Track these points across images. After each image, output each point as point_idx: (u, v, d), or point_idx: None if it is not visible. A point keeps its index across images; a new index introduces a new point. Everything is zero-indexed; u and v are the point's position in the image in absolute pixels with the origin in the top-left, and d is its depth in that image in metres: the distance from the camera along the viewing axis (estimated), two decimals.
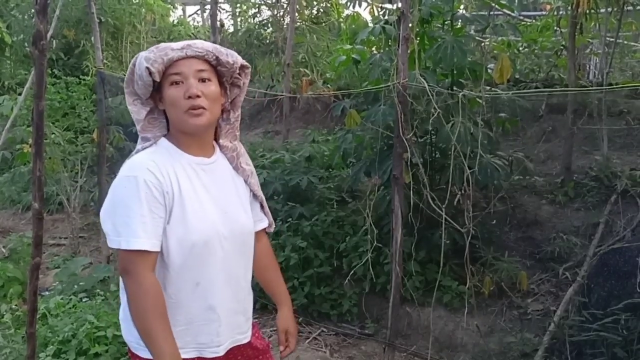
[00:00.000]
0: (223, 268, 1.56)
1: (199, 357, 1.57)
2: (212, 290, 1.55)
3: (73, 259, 5.22)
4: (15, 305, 4.16)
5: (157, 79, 1.50)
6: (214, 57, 1.55)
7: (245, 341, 1.69)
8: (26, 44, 8.65)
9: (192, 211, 1.51)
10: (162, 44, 1.54)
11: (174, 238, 1.49)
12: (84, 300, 3.89)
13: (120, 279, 1.51)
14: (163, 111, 1.59)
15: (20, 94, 6.18)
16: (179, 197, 1.51)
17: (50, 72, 7.56)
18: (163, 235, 1.49)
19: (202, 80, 1.52)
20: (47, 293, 4.42)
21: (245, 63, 1.62)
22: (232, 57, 1.58)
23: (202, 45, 1.54)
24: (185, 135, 1.57)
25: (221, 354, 1.60)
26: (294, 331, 1.89)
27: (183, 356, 1.53)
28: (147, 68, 1.48)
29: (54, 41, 8.65)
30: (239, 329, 1.66)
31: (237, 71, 1.61)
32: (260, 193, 1.78)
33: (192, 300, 1.54)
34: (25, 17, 8.65)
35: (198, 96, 1.50)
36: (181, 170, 1.55)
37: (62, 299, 3.87)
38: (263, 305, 4.24)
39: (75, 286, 4.27)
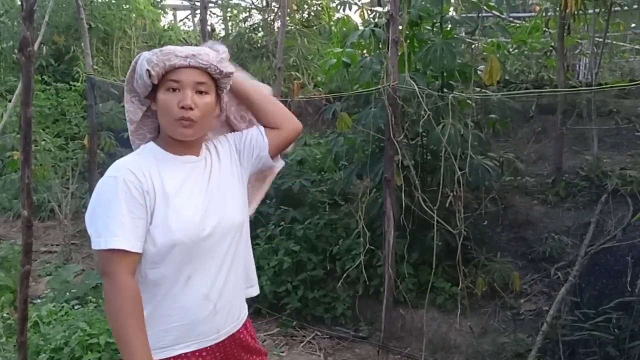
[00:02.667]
0: (214, 259, 1.57)
1: (201, 349, 1.58)
2: (204, 281, 1.56)
3: (65, 266, 5.20)
4: (7, 313, 4.12)
5: (155, 81, 1.51)
6: (217, 71, 1.55)
7: (237, 328, 1.68)
8: (16, 51, 8.60)
9: (178, 209, 1.51)
10: (167, 48, 1.52)
11: (161, 236, 1.49)
12: (76, 307, 3.86)
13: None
14: (156, 112, 1.60)
15: (10, 101, 6.14)
16: (163, 196, 1.51)
17: (40, 78, 7.53)
18: (149, 234, 1.49)
19: (199, 92, 1.53)
20: (39, 301, 4.39)
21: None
22: (228, 68, 1.58)
23: (207, 58, 1.52)
24: (173, 138, 1.58)
25: (222, 338, 1.62)
26: None
27: (184, 351, 1.55)
28: (148, 70, 1.49)
29: (44, 47, 8.60)
30: (232, 317, 1.66)
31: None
32: (252, 132, 1.76)
33: (186, 293, 1.54)
34: (15, 23, 8.59)
35: (191, 108, 1.50)
36: (166, 170, 1.55)
37: (54, 306, 3.85)
38: (256, 309, 4.23)
39: (67, 293, 4.24)
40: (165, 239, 1.49)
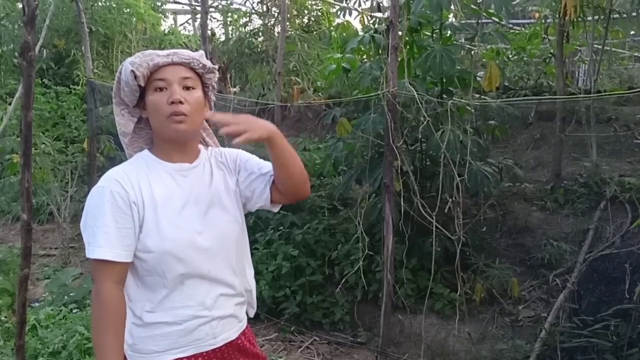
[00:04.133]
0: (209, 268, 1.57)
1: (197, 354, 1.58)
2: (199, 288, 1.57)
3: (63, 269, 5.19)
4: (5, 317, 4.12)
5: (142, 83, 1.52)
6: (200, 65, 1.56)
7: (236, 335, 1.67)
8: (16, 54, 8.62)
9: (167, 220, 1.52)
10: (149, 50, 1.56)
11: (152, 244, 1.51)
12: (74, 311, 3.86)
13: None
14: (147, 120, 1.59)
15: (10, 104, 6.16)
16: (152, 205, 1.52)
17: (40, 81, 7.55)
18: (141, 242, 1.51)
19: (187, 88, 1.53)
20: (37, 304, 4.39)
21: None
22: (210, 63, 1.60)
23: (189, 53, 1.55)
24: (167, 142, 1.58)
25: (219, 344, 1.62)
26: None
27: (180, 355, 1.56)
28: (132, 72, 1.49)
29: (44, 51, 8.62)
30: (229, 324, 1.66)
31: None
32: (255, 168, 1.69)
33: (181, 299, 1.55)
34: (16, 26, 8.61)
35: (181, 102, 1.50)
36: (157, 178, 1.55)
37: (52, 310, 3.85)
38: (255, 314, 4.21)
39: (66, 297, 4.24)
40: (157, 247, 1.51)
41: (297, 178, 1.63)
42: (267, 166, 1.69)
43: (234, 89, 8.16)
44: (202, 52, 1.61)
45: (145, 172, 1.55)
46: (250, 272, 1.75)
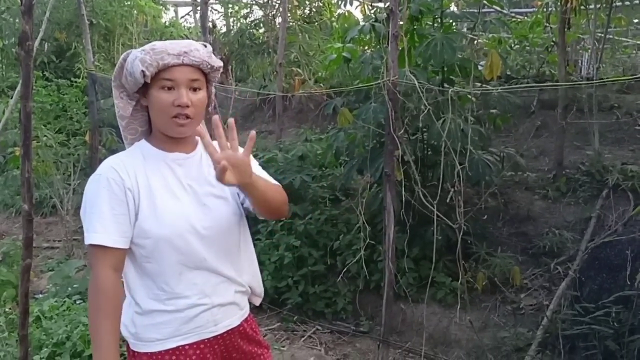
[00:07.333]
0: (203, 256, 1.58)
1: (199, 341, 1.60)
2: (197, 276, 1.58)
3: (67, 261, 5.21)
4: (9, 308, 4.15)
5: (149, 80, 1.53)
6: (209, 66, 1.56)
7: (238, 322, 1.68)
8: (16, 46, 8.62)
9: (163, 206, 1.54)
10: (158, 45, 1.53)
11: (148, 231, 1.52)
12: (77, 302, 3.89)
13: None
14: (145, 107, 1.61)
15: (11, 97, 6.16)
16: (148, 193, 1.54)
17: (41, 74, 7.57)
18: (138, 229, 1.52)
19: (193, 89, 1.54)
20: (41, 296, 4.41)
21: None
22: (217, 62, 1.61)
23: (199, 54, 1.54)
24: (165, 135, 1.60)
25: (221, 331, 1.63)
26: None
27: (182, 343, 1.57)
28: (142, 71, 1.50)
29: (46, 44, 8.62)
30: (231, 311, 1.66)
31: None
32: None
33: (181, 287, 1.56)
34: (16, 20, 8.60)
35: (187, 106, 1.52)
36: (153, 167, 1.58)
37: (56, 301, 3.87)
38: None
39: (69, 289, 4.26)
40: (154, 233, 1.52)
41: (275, 206, 1.64)
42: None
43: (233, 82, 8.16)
44: (210, 49, 1.60)
45: (142, 161, 1.57)
46: (251, 265, 1.74)
